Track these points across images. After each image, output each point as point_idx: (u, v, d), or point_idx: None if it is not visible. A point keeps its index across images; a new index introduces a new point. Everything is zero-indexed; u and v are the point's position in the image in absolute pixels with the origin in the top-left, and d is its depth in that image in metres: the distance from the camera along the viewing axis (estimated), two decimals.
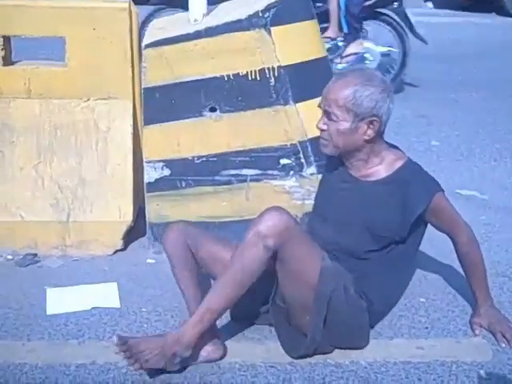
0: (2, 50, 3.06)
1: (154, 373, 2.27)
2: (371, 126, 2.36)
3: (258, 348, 2.45)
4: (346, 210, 2.47)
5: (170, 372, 2.27)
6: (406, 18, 5.76)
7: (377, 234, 2.41)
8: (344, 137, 2.38)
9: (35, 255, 3.04)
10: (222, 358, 2.37)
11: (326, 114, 2.40)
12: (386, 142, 2.50)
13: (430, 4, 10.13)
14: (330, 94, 2.38)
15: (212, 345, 2.34)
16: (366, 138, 2.38)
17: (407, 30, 5.78)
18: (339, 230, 2.46)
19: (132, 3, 3.14)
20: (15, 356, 2.37)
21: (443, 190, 2.46)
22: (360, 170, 2.47)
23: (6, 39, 3.08)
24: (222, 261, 2.43)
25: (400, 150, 2.55)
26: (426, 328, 2.58)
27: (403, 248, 2.47)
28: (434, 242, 3.22)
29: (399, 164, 2.44)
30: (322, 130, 2.43)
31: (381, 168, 2.45)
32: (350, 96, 2.33)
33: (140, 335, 2.45)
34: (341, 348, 2.42)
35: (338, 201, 2.51)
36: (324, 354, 2.39)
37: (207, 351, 2.34)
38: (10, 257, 3.05)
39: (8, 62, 3.11)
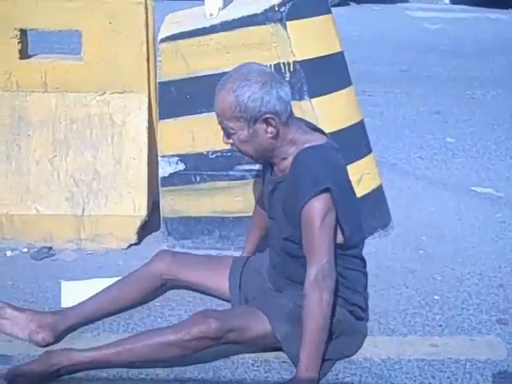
0: (19, 43, 3.07)
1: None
2: (269, 123, 2.23)
3: None
4: (277, 209, 2.39)
5: (184, 366, 2.28)
6: None
7: (295, 227, 2.27)
8: (249, 144, 2.27)
9: (50, 248, 3.05)
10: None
11: (223, 130, 2.29)
12: (308, 126, 2.37)
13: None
14: (217, 109, 2.27)
15: None
16: (270, 135, 2.25)
17: None
18: (278, 230, 2.40)
19: None
20: (30, 348, 2.38)
21: (332, 193, 2.18)
22: (279, 166, 2.34)
23: (23, 32, 3.09)
24: (216, 280, 2.56)
25: (320, 132, 2.38)
26: (440, 326, 2.57)
27: None
28: (447, 240, 3.22)
29: (297, 151, 2.27)
30: (230, 145, 2.34)
31: (291, 158, 2.30)
32: (233, 104, 2.20)
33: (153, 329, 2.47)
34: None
35: (271, 204, 2.43)
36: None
37: None
38: (25, 250, 3.07)
39: (24, 55, 3.12)
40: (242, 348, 2.34)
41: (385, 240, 3.20)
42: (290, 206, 2.26)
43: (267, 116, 2.22)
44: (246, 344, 2.31)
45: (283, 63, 2.97)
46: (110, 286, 2.55)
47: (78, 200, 3.07)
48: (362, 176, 3.20)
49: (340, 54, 3.26)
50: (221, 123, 2.28)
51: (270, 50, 2.96)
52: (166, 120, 3.05)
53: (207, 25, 3.00)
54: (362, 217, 2.45)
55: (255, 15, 2.96)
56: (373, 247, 3.10)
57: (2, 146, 3.10)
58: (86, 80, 3.11)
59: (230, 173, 3.04)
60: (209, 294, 2.66)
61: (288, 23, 2.95)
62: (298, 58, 2.97)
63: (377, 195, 3.30)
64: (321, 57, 3.10)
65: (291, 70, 2.97)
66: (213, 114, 2.97)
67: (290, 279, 2.38)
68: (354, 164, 3.17)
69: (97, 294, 2.52)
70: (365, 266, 2.46)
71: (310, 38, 3.07)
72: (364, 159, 3.26)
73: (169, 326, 2.36)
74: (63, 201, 3.07)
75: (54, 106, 3.12)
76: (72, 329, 2.45)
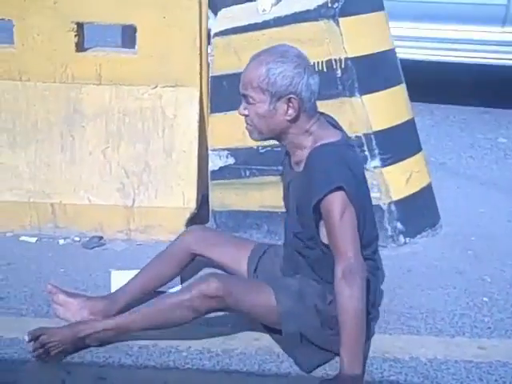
0: (76, 36, 3.13)
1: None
2: (291, 105, 2.21)
3: None
4: (291, 204, 2.39)
5: (230, 358, 2.31)
6: None
7: (303, 227, 2.29)
8: (265, 119, 2.24)
9: (101, 238, 3.11)
10: None
11: (244, 97, 2.26)
12: (326, 119, 2.35)
13: None
14: (245, 77, 2.24)
15: None
16: (288, 118, 2.23)
17: None
18: (291, 224, 2.40)
19: None
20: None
21: (348, 190, 2.15)
22: (295, 156, 2.32)
23: (80, 26, 3.15)
24: (237, 261, 2.56)
25: (338, 129, 2.35)
26: (489, 328, 2.53)
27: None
28: (497, 241, 3.18)
29: (311, 149, 2.25)
30: (244, 116, 2.29)
31: (305, 154, 2.28)
32: (262, 75, 2.19)
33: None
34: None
35: (287, 196, 2.44)
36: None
37: None
38: (77, 239, 3.13)
39: (80, 48, 3.17)
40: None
41: (433, 239, 3.17)
42: (302, 203, 2.26)
43: (292, 96, 2.20)
44: (247, 314, 2.32)
45: (335, 59, 2.96)
46: (147, 265, 2.60)
47: (129, 191, 3.11)
48: (412, 174, 3.18)
49: (392, 52, 3.24)
50: (244, 90, 2.25)
51: (322, 46, 2.96)
52: (217, 114, 3.07)
53: (260, 20, 3.02)
54: (374, 218, 2.43)
55: (308, 11, 2.97)
56: (421, 246, 3.08)
57: (57, 137, 3.16)
58: (139, 73, 3.15)
59: (280, 168, 3.04)
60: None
61: (341, 19, 2.94)
62: (350, 55, 2.97)
63: (426, 194, 3.27)
64: (373, 54, 3.09)
65: (342, 66, 2.96)
66: None
67: (296, 273, 2.38)
68: (404, 162, 3.16)
69: (137, 275, 2.58)
70: (377, 268, 2.44)
71: (363, 35, 3.06)
72: (413, 157, 3.24)
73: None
74: (114, 192, 3.12)
75: (108, 99, 3.17)
76: (121, 311, 2.48)
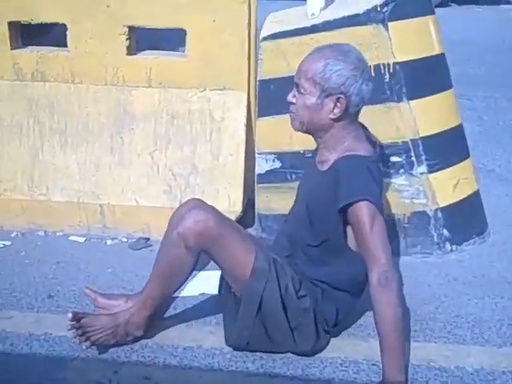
0: (127, 39, 3.17)
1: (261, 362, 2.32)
2: (338, 105, 2.23)
3: (361, 345, 2.44)
4: (301, 198, 2.42)
5: (273, 361, 2.32)
6: None
7: (313, 225, 2.32)
8: (309, 112, 2.26)
9: (148, 239, 3.14)
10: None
11: (296, 85, 2.29)
12: (364, 132, 2.37)
13: None
14: (302, 66, 2.27)
15: None
16: (332, 116, 2.25)
17: None
18: (293, 220, 2.42)
19: None
20: (31, 327, 2.48)
21: (375, 204, 2.18)
22: (323, 155, 2.35)
23: (131, 29, 3.19)
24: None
25: (372, 144, 2.36)
26: None
27: (343, 260, 2.33)
28: None
29: (341, 156, 2.27)
30: (290, 103, 2.32)
31: (332, 157, 2.30)
32: (319, 69, 2.22)
33: None
34: (280, 351, 2.36)
35: (300, 191, 2.47)
36: (265, 351, 2.36)
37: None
38: (124, 239, 3.17)
39: (132, 51, 3.22)
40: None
41: (480, 247, 3.13)
42: (320, 201, 2.27)
43: (340, 96, 2.22)
44: (223, 262, 2.31)
45: (383, 64, 2.95)
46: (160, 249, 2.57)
47: (176, 193, 3.15)
48: (459, 181, 3.14)
49: (441, 56, 3.20)
50: (297, 78, 2.28)
51: (371, 51, 2.94)
52: (265, 118, 3.08)
53: (308, 24, 3.02)
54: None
55: (357, 15, 2.96)
56: (467, 254, 3.05)
57: (107, 139, 3.22)
58: (188, 76, 3.19)
59: None
60: None
61: (390, 24, 2.93)
62: (398, 60, 2.95)
63: (473, 201, 3.23)
64: (421, 58, 3.07)
65: (391, 71, 2.95)
66: None
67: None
68: (451, 168, 3.13)
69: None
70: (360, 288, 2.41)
71: (412, 40, 3.04)
72: (461, 164, 3.20)
73: None
74: (161, 193, 3.15)
75: (157, 101, 3.21)
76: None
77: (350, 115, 2.27)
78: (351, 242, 2.30)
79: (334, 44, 2.33)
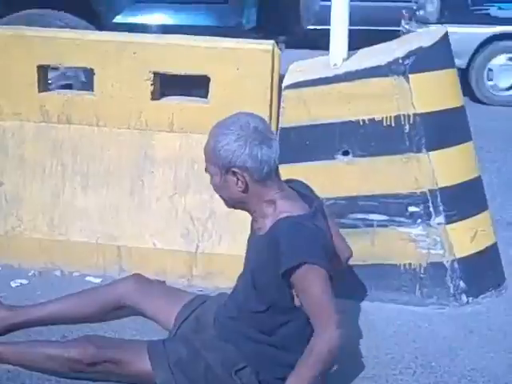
0: (151, 85, 3.22)
1: None
2: (238, 177, 2.22)
3: None
4: (246, 266, 2.40)
5: None
6: None
7: (259, 291, 2.28)
8: (222, 191, 2.29)
9: (163, 282, 3.14)
10: None
11: (206, 170, 2.31)
12: (297, 190, 2.35)
13: None
14: (204, 150, 2.29)
15: None
16: (240, 189, 2.24)
17: None
18: (240, 287, 2.39)
19: (275, 44, 3.23)
20: None
21: (316, 263, 2.16)
22: (258, 222, 2.33)
23: (156, 75, 3.24)
24: (166, 314, 2.56)
25: (306, 199, 2.34)
26: None
27: (292, 321, 2.29)
28: None
29: (276, 219, 2.23)
30: None
31: (267, 222, 2.27)
32: (211, 149, 2.24)
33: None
34: None
35: (245, 259, 2.44)
36: None
37: None
38: None
39: (156, 96, 3.27)
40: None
41: (497, 300, 3.11)
42: (262, 267, 2.24)
43: (234, 170, 2.21)
44: (124, 377, 2.33)
45: (403, 115, 2.99)
46: (70, 295, 2.66)
47: (193, 237, 3.16)
48: (477, 232, 3.14)
49: (461, 109, 3.24)
50: (205, 163, 2.31)
51: (391, 102, 2.99)
52: (284, 165, 3.07)
53: (331, 74, 3.07)
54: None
55: (379, 67, 3.01)
56: (484, 307, 3.03)
57: (127, 181, 3.25)
58: (211, 122, 3.14)
59: (342, 221, 3.05)
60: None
61: (411, 76, 2.97)
62: (419, 111, 2.98)
63: (491, 253, 3.23)
64: (441, 110, 3.10)
65: (411, 122, 2.98)
66: (331, 163, 3.06)
67: (224, 332, 2.34)
68: (469, 220, 3.13)
69: (57, 300, 2.65)
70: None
71: (432, 92, 3.08)
72: (479, 215, 3.21)
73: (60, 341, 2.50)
74: (178, 237, 3.16)
75: (178, 146, 3.25)
76: (18, 326, 2.61)
77: (260, 181, 2.24)
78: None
79: (224, 119, 2.31)
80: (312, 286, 2.16)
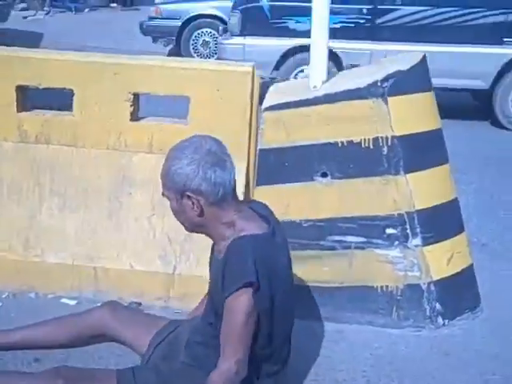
0: (131, 106, 3.22)
1: None
2: (193, 201, 2.18)
3: None
4: (208, 289, 2.36)
5: None
6: None
7: (218, 317, 2.21)
8: (180, 215, 2.25)
9: (140, 304, 3.12)
10: None
11: (163, 195, 2.28)
12: (257, 211, 2.30)
13: None
14: (160, 175, 2.26)
15: None
16: (196, 213, 2.20)
17: None
18: (204, 311, 2.37)
19: (255, 67, 3.24)
20: None
21: (256, 285, 2.11)
22: (218, 245, 2.28)
23: (136, 96, 3.24)
24: (141, 341, 2.47)
25: (266, 219, 2.29)
26: None
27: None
28: None
29: (229, 241, 2.20)
30: None
31: (226, 243, 2.22)
32: (165, 174, 2.22)
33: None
34: None
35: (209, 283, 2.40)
36: None
37: None
38: None
39: (135, 117, 3.27)
40: None
41: (473, 323, 3.13)
42: (217, 291, 2.21)
43: (189, 194, 2.18)
44: None
45: (381, 137, 3.01)
46: (45, 322, 2.59)
47: (171, 259, 3.15)
48: (453, 254, 3.17)
49: (438, 131, 3.27)
50: (162, 189, 2.27)
51: (370, 124, 3.01)
52: (263, 187, 3.12)
53: (310, 96, 3.09)
54: (288, 323, 2.32)
55: (358, 89, 3.03)
56: (460, 329, 3.05)
57: (105, 202, 3.24)
58: None
59: (321, 242, 3.07)
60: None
61: (389, 98, 3.00)
62: (397, 134, 3.01)
63: (467, 275, 3.25)
64: (419, 133, 3.13)
65: (389, 144, 3.01)
66: (309, 184, 3.07)
67: (194, 358, 2.31)
68: (445, 242, 3.16)
69: (31, 326, 2.58)
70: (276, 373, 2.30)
71: (410, 114, 3.12)
72: (456, 238, 3.23)
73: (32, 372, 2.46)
74: (156, 259, 3.15)
75: (157, 167, 3.21)
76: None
77: (216, 204, 2.20)
78: None
79: (178, 143, 2.28)
80: (233, 313, 2.11)
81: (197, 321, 2.45)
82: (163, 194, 2.28)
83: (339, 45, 6.58)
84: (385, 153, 3.01)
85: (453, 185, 3.32)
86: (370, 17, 7.45)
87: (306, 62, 7.04)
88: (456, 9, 7.28)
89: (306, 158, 3.08)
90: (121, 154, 3.25)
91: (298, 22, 7.28)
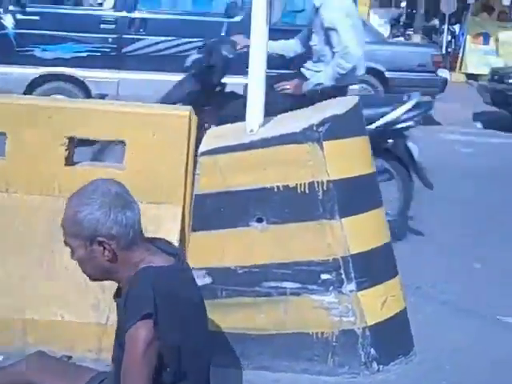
0: (66, 150, 3.17)
1: None
2: (105, 246, 2.12)
3: None
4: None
5: None
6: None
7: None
8: (87, 264, 2.17)
9: (70, 357, 2.94)
10: None
11: (66, 245, 2.20)
12: (161, 248, 2.24)
13: (478, 124, 10.17)
14: (62, 224, 2.18)
15: None
16: (107, 259, 2.14)
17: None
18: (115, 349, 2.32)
19: (192, 111, 3.24)
20: None
21: (153, 318, 2.04)
22: (125, 287, 2.20)
23: (71, 140, 3.19)
24: None
25: (172, 255, 2.25)
26: None
27: None
28: (471, 370, 3.14)
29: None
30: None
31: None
32: (71, 221, 2.13)
33: None
34: None
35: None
36: None
37: None
38: None
39: (70, 162, 3.22)
40: None
41: (406, 367, 3.14)
42: (120, 328, 2.18)
43: (100, 239, 2.12)
44: None
45: (317, 182, 3.02)
46: None
47: (104, 308, 3.06)
48: (387, 298, 3.19)
49: (373, 175, 3.32)
50: (63, 237, 2.20)
51: (305, 168, 3.03)
52: (198, 232, 3.10)
53: (247, 140, 3.10)
54: (199, 361, 2.24)
55: (294, 134, 3.05)
56: (394, 374, 3.06)
57: (36, 250, 3.15)
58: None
59: (256, 289, 3.05)
60: None
61: (325, 143, 3.03)
62: (332, 178, 3.03)
63: (400, 319, 3.27)
64: (354, 177, 3.16)
65: (324, 188, 3.02)
66: (245, 230, 3.06)
67: None
68: (380, 286, 3.18)
69: None
70: None
71: (345, 158, 3.15)
72: (390, 281, 3.26)
73: None
74: (88, 308, 3.06)
75: None
76: None
77: (127, 247, 2.15)
78: None
79: (80, 189, 2.23)
80: (132, 344, 2.04)
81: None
82: (65, 243, 2.19)
83: (84, 73, 6.62)
84: (320, 197, 3.02)
85: (387, 229, 3.36)
86: (115, 46, 7.29)
87: (57, 92, 7.01)
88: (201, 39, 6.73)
89: (241, 203, 3.07)
90: (54, 199, 3.16)
91: (44, 50, 7.13)
